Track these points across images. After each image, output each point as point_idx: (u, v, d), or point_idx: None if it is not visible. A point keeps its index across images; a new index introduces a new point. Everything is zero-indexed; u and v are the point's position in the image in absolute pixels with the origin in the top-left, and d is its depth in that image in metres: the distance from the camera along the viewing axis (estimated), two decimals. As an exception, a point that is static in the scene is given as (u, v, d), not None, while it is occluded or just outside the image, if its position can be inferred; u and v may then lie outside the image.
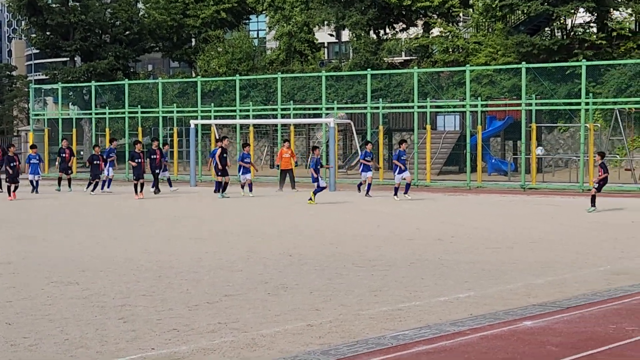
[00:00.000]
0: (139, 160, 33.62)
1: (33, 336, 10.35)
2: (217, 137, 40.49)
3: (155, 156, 35.88)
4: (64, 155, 39.22)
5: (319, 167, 31.59)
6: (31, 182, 36.54)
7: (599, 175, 27.43)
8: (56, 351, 9.63)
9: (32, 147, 31.19)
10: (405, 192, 31.75)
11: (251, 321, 11.15)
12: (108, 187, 37.83)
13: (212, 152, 36.19)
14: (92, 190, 36.45)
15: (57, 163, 41.87)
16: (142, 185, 33.37)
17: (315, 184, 30.67)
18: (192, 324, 10.97)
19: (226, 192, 33.35)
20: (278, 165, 39.44)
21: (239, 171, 35.65)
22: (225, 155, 34.27)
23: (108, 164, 37.73)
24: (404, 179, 31.72)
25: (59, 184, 38.37)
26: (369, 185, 33.66)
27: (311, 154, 34.66)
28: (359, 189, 34.83)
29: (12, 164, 33.47)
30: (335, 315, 11.50)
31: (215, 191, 34.26)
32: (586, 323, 11.00)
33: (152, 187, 35.71)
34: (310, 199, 29.93)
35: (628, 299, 12.66)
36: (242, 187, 35.46)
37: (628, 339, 10.11)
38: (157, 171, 36.06)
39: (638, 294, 13.05)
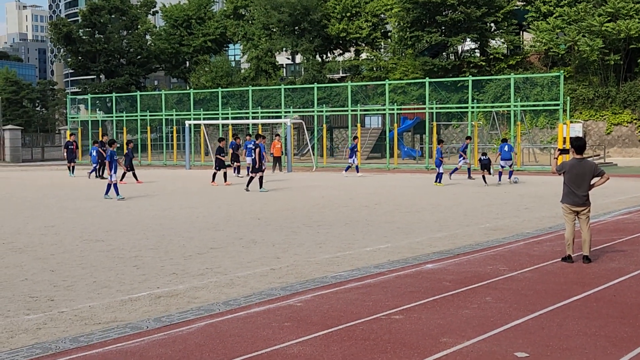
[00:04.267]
0: (224, 154, 29.75)
1: (70, 279, 10.25)
2: (220, 136, 34.83)
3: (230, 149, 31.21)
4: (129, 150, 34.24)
5: (440, 158, 28.34)
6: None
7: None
8: (87, 290, 9.55)
9: (111, 142, 24.34)
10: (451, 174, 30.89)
11: (230, 267, 11.12)
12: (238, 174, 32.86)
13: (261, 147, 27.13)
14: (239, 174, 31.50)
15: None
16: (225, 174, 29.48)
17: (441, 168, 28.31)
18: (187, 269, 10.92)
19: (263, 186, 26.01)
20: (272, 153, 38.47)
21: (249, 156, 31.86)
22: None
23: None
24: (466, 164, 30.77)
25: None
26: (461, 169, 31.17)
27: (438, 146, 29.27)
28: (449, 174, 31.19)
29: (222, 154, 29.34)
30: (291, 262, 11.50)
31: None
32: (471, 265, 11.10)
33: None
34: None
35: (501, 248, 12.80)
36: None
37: (501, 276, 10.23)
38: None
39: (508, 244, 13.20)
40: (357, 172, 34.03)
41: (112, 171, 22.66)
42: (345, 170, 34.21)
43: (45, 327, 7.77)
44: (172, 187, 28.23)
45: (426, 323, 7.74)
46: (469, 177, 30.65)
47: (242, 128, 56.52)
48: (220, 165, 28.83)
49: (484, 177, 27.99)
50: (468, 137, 31.10)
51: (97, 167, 33.62)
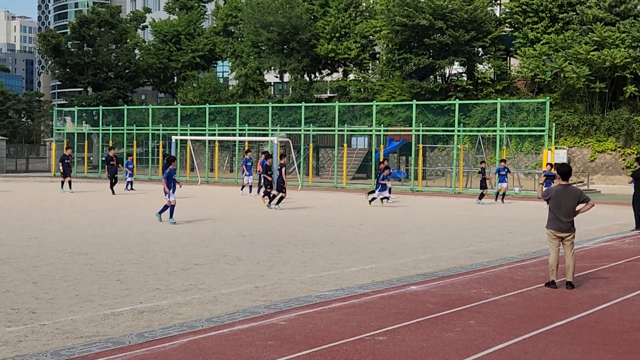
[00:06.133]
0: (271, 172, 27.71)
1: (52, 292, 10.18)
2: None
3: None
4: (112, 162, 33.73)
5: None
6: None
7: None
8: (69, 303, 9.48)
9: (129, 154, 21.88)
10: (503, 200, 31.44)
11: (214, 283, 11.08)
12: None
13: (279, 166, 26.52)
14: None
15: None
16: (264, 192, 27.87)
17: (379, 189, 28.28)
18: (171, 285, 10.87)
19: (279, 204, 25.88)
20: (258, 171, 38.09)
21: (243, 173, 33.93)
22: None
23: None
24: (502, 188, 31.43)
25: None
26: (504, 193, 31.59)
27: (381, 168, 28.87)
28: (496, 198, 31.74)
29: (269, 172, 27.45)
30: (275, 280, 11.47)
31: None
32: (455, 288, 11.11)
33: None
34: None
35: (485, 271, 12.82)
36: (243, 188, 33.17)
37: (484, 300, 10.24)
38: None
39: (492, 268, 13.22)
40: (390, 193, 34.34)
41: (171, 191, 20.17)
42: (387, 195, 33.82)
43: (26, 340, 7.69)
44: (158, 202, 28.10)
45: (410, 345, 7.73)
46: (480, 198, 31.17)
47: (229, 145, 56.55)
48: (268, 184, 27.71)
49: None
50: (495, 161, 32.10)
51: (113, 182, 33.28)
